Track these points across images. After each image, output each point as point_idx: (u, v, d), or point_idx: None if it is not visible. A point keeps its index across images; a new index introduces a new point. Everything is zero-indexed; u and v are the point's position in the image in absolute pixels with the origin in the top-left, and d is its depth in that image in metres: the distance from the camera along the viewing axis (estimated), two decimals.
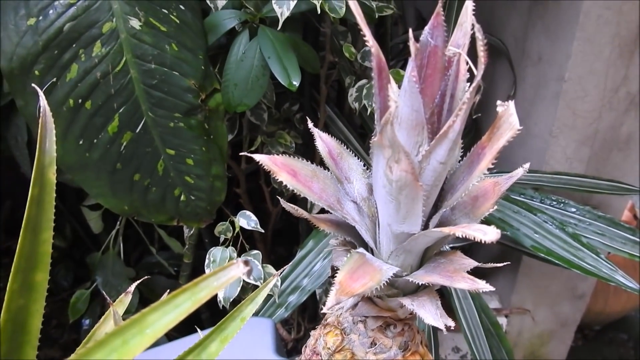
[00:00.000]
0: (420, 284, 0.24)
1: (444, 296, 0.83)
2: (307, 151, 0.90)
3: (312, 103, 0.89)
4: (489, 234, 0.19)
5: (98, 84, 0.56)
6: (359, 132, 0.94)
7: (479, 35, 0.18)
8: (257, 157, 0.25)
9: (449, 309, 0.73)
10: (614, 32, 0.75)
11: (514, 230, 0.67)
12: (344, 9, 0.57)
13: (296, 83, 0.57)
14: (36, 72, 0.53)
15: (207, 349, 0.31)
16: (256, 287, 0.68)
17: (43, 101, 0.24)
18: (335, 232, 0.27)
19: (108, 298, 0.85)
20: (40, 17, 0.52)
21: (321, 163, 0.28)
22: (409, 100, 0.20)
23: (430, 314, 0.24)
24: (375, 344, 0.28)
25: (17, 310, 0.25)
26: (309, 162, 0.26)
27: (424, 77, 0.22)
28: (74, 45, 0.54)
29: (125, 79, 0.57)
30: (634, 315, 1.43)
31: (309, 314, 1.07)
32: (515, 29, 0.90)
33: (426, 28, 0.22)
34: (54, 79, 0.54)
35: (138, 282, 0.34)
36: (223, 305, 0.63)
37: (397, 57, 1.08)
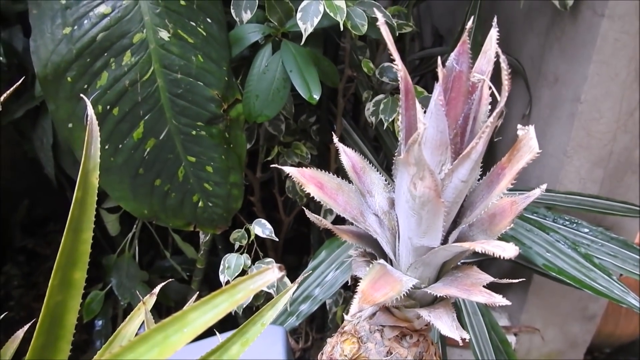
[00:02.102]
0: (437, 296, 0.25)
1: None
2: (322, 162, 0.91)
3: (329, 116, 0.91)
4: (508, 251, 0.20)
5: (126, 91, 0.58)
6: (373, 145, 0.96)
7: (504, 65, 0.20)
8: (288, 169, 0.26)
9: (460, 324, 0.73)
10: (631, 56, 0.75)
11: (526, 248, 0.67)
12: (365, 27, 0.58)
13: (316, 97, 0.59)
14: (68, 79, 0.56)
15: (228, 351, 0.32)
16: (269, 294, 0.69)
17: (90, 110, 0.25)
18: (356, 243, 0.28)
19: (122, 299, 0.87)
20: (75, 27, 0.55)
21: (336, 174, 0.30)
22: (434, 121, 0.22)
23: (447, 325, 0.25)
24: (392, 353, 0.29)
25: (55, 306, 0.26)
26: (335, 176, 0.27)
27: (448, 100, 0.23)
28: (105, 54, 0.56)
29: (152, 88, 0.59)
30: None
31: (317, 324, 1.07)
32: (532, 50, 0.92)
33: (452, 54, 0.23)
34: (85, 86, 0.56)
35: (163, 284, 0.36)
36: (235, 312, 0.64)
37: (413, 73, 1.10)
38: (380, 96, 0.75)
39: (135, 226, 0.90)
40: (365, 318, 0.29)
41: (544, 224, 0.70)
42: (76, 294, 0.27)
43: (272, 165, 0.35)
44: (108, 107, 0.58)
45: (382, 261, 0.26)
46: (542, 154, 0.79)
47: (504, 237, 0.73)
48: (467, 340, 0.25)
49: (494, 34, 0.23)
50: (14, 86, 0.28)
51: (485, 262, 0.94)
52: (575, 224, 0.73)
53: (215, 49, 0.62)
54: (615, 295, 0.61)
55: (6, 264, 1.32)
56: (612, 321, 1.27)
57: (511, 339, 1.06)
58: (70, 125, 0.57)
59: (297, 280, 0.31)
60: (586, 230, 0.72)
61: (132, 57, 0.57)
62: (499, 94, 0.21)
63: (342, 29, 0.57)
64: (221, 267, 0.66)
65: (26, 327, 0.32)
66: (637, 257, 0.69)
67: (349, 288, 0.95)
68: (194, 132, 0.62)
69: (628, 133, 0.83)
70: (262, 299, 0.69)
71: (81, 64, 0.56)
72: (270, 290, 0.65)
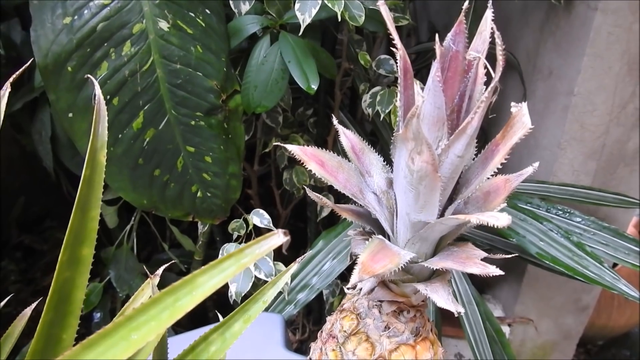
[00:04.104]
0: (434, 269, 0.26)
1: None
2: None
3: (326, 109, 0.92)
4: (502, 220, 0.21)
5: (126, 81, 0.58)
6: (370, 139, 0.97)
7: (499, 41, 0.21)
8: (290, 147, 0.27)
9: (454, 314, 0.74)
10: (624, 49, 0.77)
11: (520, 237, 0.68)
12: (363, 18, 0.59)
13: (315, 87, 0.60)
14: (69, 69, 0.56)
15: (231, 328, 0.33)
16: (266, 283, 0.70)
17: (98, 90, 0.26)
18: (355, 221, 0.29)
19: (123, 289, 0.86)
20: (76, 17, 0.55)
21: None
22: (432, 98, 0.23)
23: (443, 298, 0.26)
24: (389, 328, 0.30)
25: (63, 282, 0.27)
26: (336, 154, 0.28)
27: (445, 79, 0.24)
28: (105, 44, 0.57)
29: (152, 78, 0.59)
30: (638, 332, 1.43)
31: (313, 316, 1.08)
32: (527, 44, 0.93)
33: (449, 35, 0.24)
34: (86, 76, 0.57)
35: (165, 265, 0.36)
36: (234, 300, 0.65)
37: None
38: (377, 88, 0.76)
39: (133, 218, 0.91)
40: (364, 294, 0.30)
41: (538, 214, 0.71)
42: (84, 271, 0.27)
43: (275, 144, 0.36)
44: (108, 97, 0.58)
45: (380, 236, 0.27)
46: (536, 146, 0.81)
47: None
48: (461, 313, 0.26)
49: (489, 14, 0.24)
50: (19, 71, 0.29)
51: None
52: (568, 214, 0.74)
53: (214, 40, 0.63)
54: (607, 282, 0.63)
55: (3, 260, 1.32)
56: (605, 313, 1.29)
57: (505, 329, 1.08)
58: (70, 115, 0.58)
59: (297, 260, 0.31)
60: (579, 219, 0.73)
61: (132, 47, 0.58)
62: (494, 71, 0.22)
63: (339, 20, 0.57)
64: (220, 256, 0.67)
65: (33, 305, 0.32)
66: (629, 245, 0.70)
67: (346, 279, 0.96)
68: (193, 123, 0.63)
69: (621, 126, 0.85)
70: (260, 287, 0.69)
71: (81, 54, 0.56)
72: (268, 279, 0.66)
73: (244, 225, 0.70)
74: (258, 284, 0.69)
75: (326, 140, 0.91)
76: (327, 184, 0.91)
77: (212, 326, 0.31)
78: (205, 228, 0.79)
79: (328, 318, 0.34)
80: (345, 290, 0.25)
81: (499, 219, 0.21)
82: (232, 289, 0.64)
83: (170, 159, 0.64)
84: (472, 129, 0.23)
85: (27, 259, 1.36)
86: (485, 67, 0.23)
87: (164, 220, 0.96)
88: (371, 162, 0.29)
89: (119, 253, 0.91)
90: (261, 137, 0.86)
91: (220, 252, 0.67)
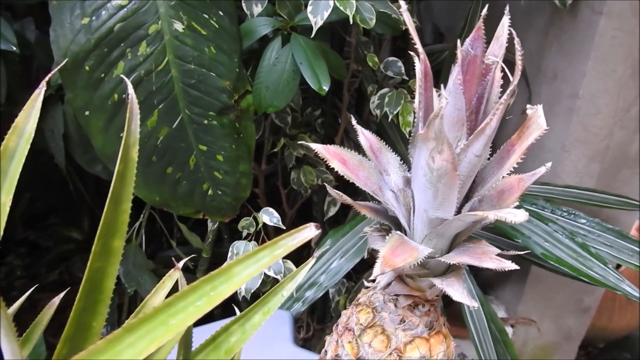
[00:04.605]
0: (449, 265, 0.27)
1: (453, 303, 0.85)
2: None
3: (333, 110, 0.93)
4: (519, 216, 0.22)
5: (141, 81, 0.60)
6: None
7: (518, 47, 0.22)
8: (314, 145, 0.28)
9: (459, 314, 0.75)
10: (627, 53, 0.78)
11: (525, 238, 0.69)
12: (374, 21, 0.60)
13: (326, 88, 0.61)
14: (86, 68, 0.57)
15: (250, 320, 0.34)
16: (276, 280, 0.71)
17: (131, 89, 0.27)
18: (374, 217, 0.30)
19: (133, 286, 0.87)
20: (94, 17, 0.57)
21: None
22: (452, 99, 0.24)
23: (458, 292, 0.27)
24: (404, 321, 0.31)
25: (95, 272, 0.28)
26: (356, 153, 0.29)
27: (463, 81, 0.25)
28: (122, 44, 0.58)
29: (166, 78, 0.61)
30: (638, 335, 1.44)
31: (318, 315, 1.09)
32: (532, 47, 0.94)
33: (467, 39, 0.25)
34: (102, 75, 0.58)
35: (187, 258, 0.38)
36: (243, 297, 0.66)
37: (413, 70, 1.12)
38: (385, 90, 0.78)
39: (142, 215, 0.92)
40: (381, 288, 0.31)
41: (543, 215, 0.72)
42: (115, 261, 0.28)
43: (300, 142, 0.37)
44: (123, 95, 0.60)
45: (399, 232, 0.28)
46: (540, 148, 0.82)
47: (504, 227, 0.75)
48: (475, 307, 0.27)
49: (505, 21, 0.25)
50: (54, 71, 0.30)
51: None
52: (572, 215, 0.75)
53: (226, 41, 0.64)
54: (611, 283, 0.64)
55: (9, 255, 1.33)
56: (606, 315, 1.30)
57: (508, 330, 1.09)
58: (87, 112, 0.59)
59: (314, 254, 0.32)
60: (583, 221, 0.74)
61: (148, 47, 0.59)
62: (512, 75, 0.23)
63: (351, 22, 0.59)
64: (230, 253, 0.68)
65: (62, 294, 0.34)
66: (632, 247, 0.72)
67: (351, 278, 0.97)
68: (205, 122, 0.64)
69: (624, 129, 0.86)
70: (269, 285, 0.70)
71: (99, 53, 0.57)
72: (278, 276, 0.67)
73: (254, 223, 0.71)
74: (267, 281, 0.71)
75: (333, 140, 0.92)
76: (332, 184, 0.91)
77: (232, 318, 0.32)
78: (215, 226, 0.81)
79: (344, 312, 0.35)
80: (365, 283, 0.26)
81: (516, 215, 0.22)
82: (242, 286, 0.66)
83: (182, 157, 0.65)
84: (490, 130, 0.24)
85: (32, 255, 1.38)
86: (503, 70, 0.25)
87: (171, 218, 0.97)
88: (388, 161, 0.30)
89: (127, 249, 0.92)
90: (269, 137, 0.88)
91: (230, 249, 0.68)
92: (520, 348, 1.13)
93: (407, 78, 0.79)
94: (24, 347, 0.32)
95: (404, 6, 0.25)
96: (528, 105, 0.25)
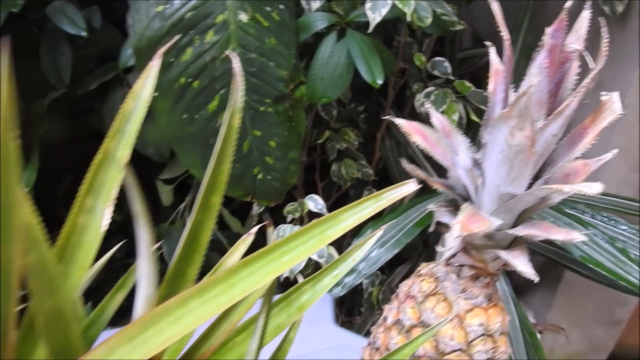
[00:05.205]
0: (514, 238, 0.30)
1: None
2: (367, 150, 0.96)
3: (376, 106, 0.96)
4: (594, 188, 0.24)
5: (206, 67, 0.64)
6: None
7: (604, 33, 0.24)
8: (398, 120, 0.31)
9: None
10: None
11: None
12: (430, 19, 0.63)
13: (380, 82, 0.64)
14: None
15: (321, 282, 0.37)
16: (318, 264, 0.74)
17: (236, 63, 0.30)
18: (445, 192, 0.32)
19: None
20: (167, 5, 0.61)
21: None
22: (537, 82, 0.26)
23: (523, 263, 0.29)
24: (466, 291, 0.33)
25: (196, 224, 0.31)
26: (435, 131, 0.32)
27: (544, 67, 0.27)
28: (191, 32, 0.62)
29: (229, 65, 0.64)
30: None
31: (346, 307, 1.12)
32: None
33: (549, 30, 0.28)
34: (172, 59, 0.62)
35: (260, 225, 0.41)
36: (294, 277, 0.70)
37: (452, 74, 1.14)
38: (431, 88, 0.80)
39: (187, 198, 0.96)
40: (448, 258, 0.33)
41: (583, 219, 0.73)
42: (212, 216, 0.32)
43: (384, 118, 0.40)
44: (189, 80, 0.64)
45: (472, 204, 0.31)
46: (583, 156, 0.82)
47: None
48: (537, 280, 0.29)
49: (586, 14, 0.27)
50: (170, 42, 0.33)
51: None
52: (613, 221, 0.76)
53: (285, 33, 0.68)
54: None
55: (52, 232, 1.39)
56: (637, 332, 1.28)
57: None
58: (156, 93, 0.63)
59: (381, 227, 0.35)
60: (624, 227, 0.75)
61: (214, 35, 0.63)
62: (595, 62, 0.25)
63: (408, 19, 0.61)
64: (275, 235, 0.71)
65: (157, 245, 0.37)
66: None
67: (384, 271, 0.99)
68: (262, 109, 0.67)
69: None
70: (310, 269, 0.74)
71: (170, 39, 0.61)
72: (321, 260, 0.70)
73: (299, 208, 0.74)
74: (309, 264, 0.74)
75: (374, 136, 0.95)
76: (370, 178, 0.93)
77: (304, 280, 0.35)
78: (260, 209, 0.84)
79: (404, 282, 0.38)
80: (439, 249, 0.29)
81: (592, 187, 0.25)
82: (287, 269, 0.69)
83: (237, 141, 0.69)
84: (569, 111, 0.26)
85: None
86: (584, 57, 0.27)
87: None
88: (458, 142, 0.33)
89: (172, 229, 0.97)
90: (313, 130, 0.91)
91: (276, 231, 0.72)
92: (547, 355, 1.12)
93: (452, 78, 0.81)
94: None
95: (495, 2, 0.28)
96: (603, 92, 0.27)
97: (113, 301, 0.40)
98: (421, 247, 0.98)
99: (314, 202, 0.73)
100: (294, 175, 0.74)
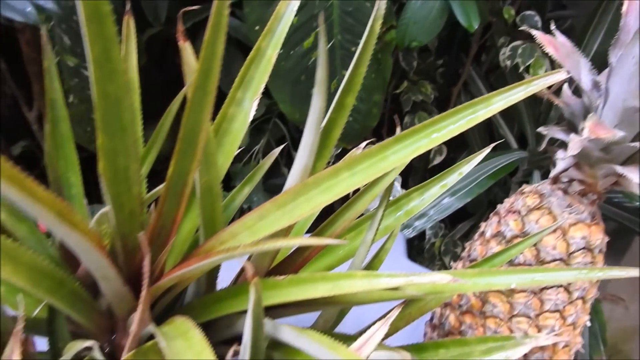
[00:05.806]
0: (629, 156, 0.31)
1: None
2: (442, 105, 0.97)
3: (455, 61, 0.96)
4: None
5: (306, 4, 0.66)
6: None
7: None
8: (535, 32, 0.33)
9: None
10: None
11: None
12: None
13: (476, 25, 0.64)
14: None
15: (429, 190, 0.40)
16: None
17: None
18: (566, 107, 0.34)
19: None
20: None
21: None
22: None
23: (637, 176, 0.31)
24: (571, 206, 0.35)
25: (330, 121, 0.35)
26: (567, 45, 0.34)
27: None
28: None
29: (328, 3, 0.67)
30: None
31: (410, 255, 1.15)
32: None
33: None
34: None
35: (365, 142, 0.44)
36: None
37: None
38: (518, 42, 0.79)
39: (263, 140, 1.02)
40: (560, 171, 0.36)
41: None
42: (344, 115, 0.36)
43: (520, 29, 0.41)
44: None
45: (596, 115, 0.32)
46: None
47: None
48: None
49: None
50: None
51: None
52: None
53: None
54: None
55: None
56: None
57: None
58: (257, 28, 0.67)
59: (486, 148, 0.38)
60: None
61: None
62: None
63: None
64: None
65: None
66: None
67: (447, 226, 1.01)
68: (353, 49, 0.70)
69: None
70: None
71: None
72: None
73: None
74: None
75: (451, 90, 0.95)
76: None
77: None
78: (336, 152, 0.88)
79: (506, 200, 0.40)
80: (571, 144, 0.30)
81: None
82: None
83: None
84: None
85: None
86: None
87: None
88: (580, 65, 0.34)
89: (245, 169, 1.02)
90: (391, 80, 0.93)
91: None
92: None
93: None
94: None
95: None
96: None
97: (242, 192, 0.46)
98: (486, 206, 0.99)
99: None
100: (375, 119, 0.77)
